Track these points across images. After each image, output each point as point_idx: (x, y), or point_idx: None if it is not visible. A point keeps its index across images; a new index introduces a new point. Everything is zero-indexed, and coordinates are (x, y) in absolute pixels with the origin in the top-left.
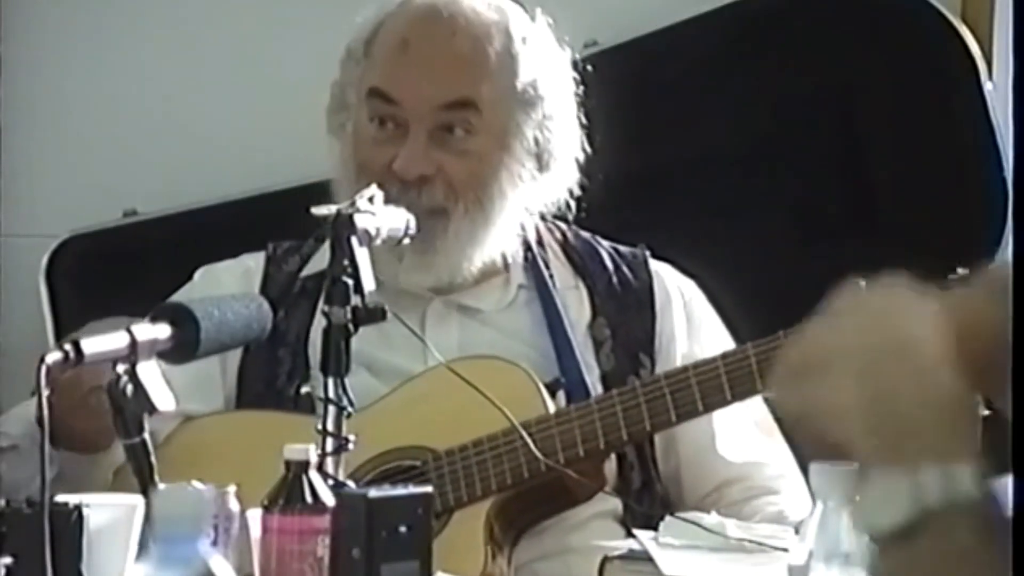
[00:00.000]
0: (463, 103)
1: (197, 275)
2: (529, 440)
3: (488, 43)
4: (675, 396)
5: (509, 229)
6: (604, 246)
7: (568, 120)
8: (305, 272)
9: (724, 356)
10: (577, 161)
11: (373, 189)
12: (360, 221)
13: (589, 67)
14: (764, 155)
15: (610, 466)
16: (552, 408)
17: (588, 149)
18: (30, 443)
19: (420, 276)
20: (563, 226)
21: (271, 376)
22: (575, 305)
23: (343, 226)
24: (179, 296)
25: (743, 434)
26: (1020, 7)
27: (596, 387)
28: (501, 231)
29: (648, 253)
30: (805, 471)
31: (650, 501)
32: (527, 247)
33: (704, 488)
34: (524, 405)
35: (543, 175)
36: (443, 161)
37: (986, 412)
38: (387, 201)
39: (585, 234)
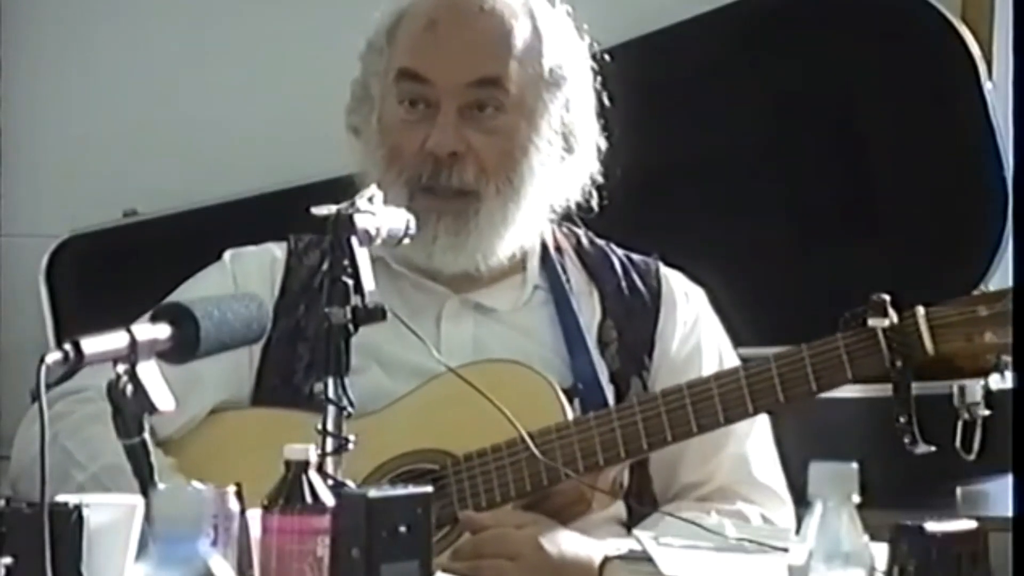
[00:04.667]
0: (492, 81)
1: (227, 256)
2: (538, 452)
3: (515, 22)
4: (696, 407)
5: (540, 211)
6: (617, 253)
7: (589, 103)
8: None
9: (746, 368)
10: (598, 148)
11: (373, 189)
12: (360, 221)
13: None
14: (764, 155)
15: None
16: (571, 415)
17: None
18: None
19: (453, 258)
20: (579, 231)
21: (288, 371)
22: (588, 308)
23: (343, 226)
24: (206, 275)
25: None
26: (1020, 7)
27: (608, 389)
28: (532, 211)
29: (661, 263)
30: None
31: (651, 499)
32: (544, 249)
33: (669, 492)
34: (543, 411)
35: (571, 157)
36: (473, 139)
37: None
38: (418, 185)
39: (600, 241)
